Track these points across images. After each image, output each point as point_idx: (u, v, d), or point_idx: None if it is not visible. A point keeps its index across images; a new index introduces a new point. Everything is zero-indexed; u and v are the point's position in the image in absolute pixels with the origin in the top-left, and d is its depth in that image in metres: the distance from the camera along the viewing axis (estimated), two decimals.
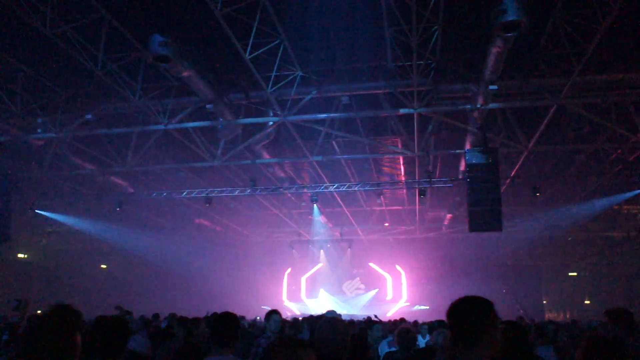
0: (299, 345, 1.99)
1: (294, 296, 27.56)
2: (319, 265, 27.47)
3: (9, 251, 23.67)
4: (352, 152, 14.57)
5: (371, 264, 27.08)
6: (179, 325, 6.11)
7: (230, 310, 3.84)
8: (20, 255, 26.10)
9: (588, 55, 9.09)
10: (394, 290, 26.56)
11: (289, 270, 27.80)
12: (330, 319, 2.84)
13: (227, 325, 3.59)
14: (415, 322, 11.92)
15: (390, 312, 24.55)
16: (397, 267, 26.36)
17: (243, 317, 11.96)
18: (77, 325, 1.98)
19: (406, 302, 25.99)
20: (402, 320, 11.73)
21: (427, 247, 25.21)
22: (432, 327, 7.81)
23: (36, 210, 17.38)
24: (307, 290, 27.47)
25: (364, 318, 12.04)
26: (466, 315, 2.18)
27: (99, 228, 19.71)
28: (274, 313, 5.69)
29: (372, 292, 26.80)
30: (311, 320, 8.38)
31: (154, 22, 9.19)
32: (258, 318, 16.10)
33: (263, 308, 19.74)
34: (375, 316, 11.80)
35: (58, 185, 16.96)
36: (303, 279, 27.72)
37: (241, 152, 13.68)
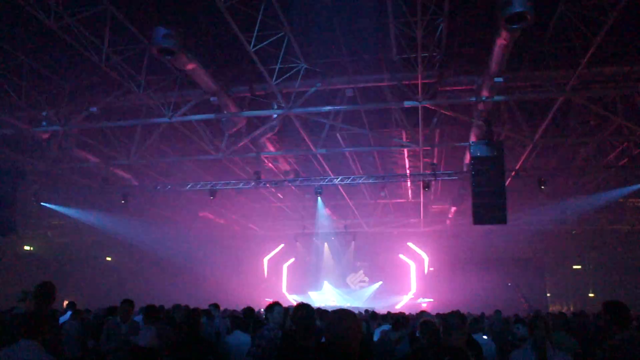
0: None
1: (296, 289, 27.61)
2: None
3: (15, 243, 23.86)
4: (356, 145, 14.56)
5: (378, 256, 27.07)
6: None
7: (231, 301, 3.89)
8: (26, 248, 26.32)
9: (594, 47, 9.01)
10: (401, 282, 26.54)
11: (290, 261, 27.91)
12: (342, 313, 2.82)
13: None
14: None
15: (398, 304, 24.62)
16: (402, 256, 26.28)
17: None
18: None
19: (413, 294, 25.94)
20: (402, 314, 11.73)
21: (431, 240, 25.22)
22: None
23: (41, 203, 17.49)
24: (310, 282, 27.50)
25: (364, 311, 12.03)
26: None
27: (104, 220, 19.82)
28: (276, 305, 5.68)
29: (376, 285, 26.78)
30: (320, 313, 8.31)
31: (158, 15, 9.18)
32: (262, 310, 16.11)
33: (266, 300, 19.78)
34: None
35: (63, 177, 17.03)
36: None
37: (245, 145, 13.68)
